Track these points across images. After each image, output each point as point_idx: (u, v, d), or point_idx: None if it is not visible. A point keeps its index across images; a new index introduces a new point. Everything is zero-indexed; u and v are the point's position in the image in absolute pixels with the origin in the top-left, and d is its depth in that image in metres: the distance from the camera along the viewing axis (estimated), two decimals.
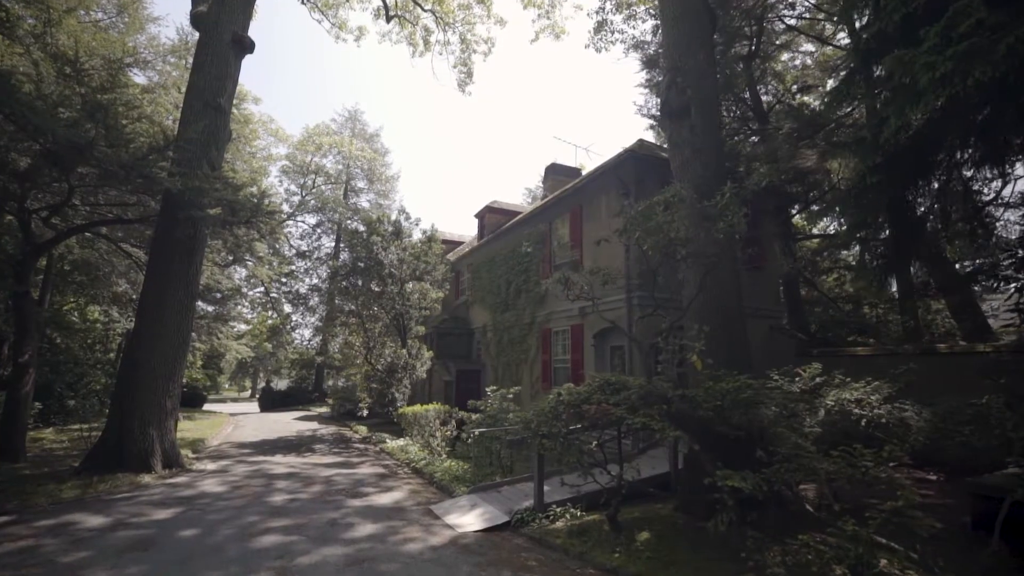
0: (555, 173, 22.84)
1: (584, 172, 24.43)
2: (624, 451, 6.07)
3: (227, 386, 58.53)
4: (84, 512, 6.55)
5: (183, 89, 19.89)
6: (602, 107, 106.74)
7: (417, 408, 11.10)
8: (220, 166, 10.44)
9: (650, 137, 16.87)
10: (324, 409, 27.39)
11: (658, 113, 17.78)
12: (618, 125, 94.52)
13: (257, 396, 39.55)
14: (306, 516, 6.56)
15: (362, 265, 16.28)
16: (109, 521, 6.17)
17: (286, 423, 20.56)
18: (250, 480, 8.89)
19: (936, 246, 12.45)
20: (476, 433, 8.36)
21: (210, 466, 10.17)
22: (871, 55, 4.28)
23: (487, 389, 10.34)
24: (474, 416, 9.45)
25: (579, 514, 6.22)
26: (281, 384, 40.46)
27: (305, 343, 39.83)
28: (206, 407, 28.46)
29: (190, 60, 23.10)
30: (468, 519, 6.31)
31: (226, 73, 10.79)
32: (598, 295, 11.03)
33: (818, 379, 5.30)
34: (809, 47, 16.01)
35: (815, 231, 17.74)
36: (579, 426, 6.03)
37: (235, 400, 48.57)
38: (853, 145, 5.55)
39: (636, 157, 10.94)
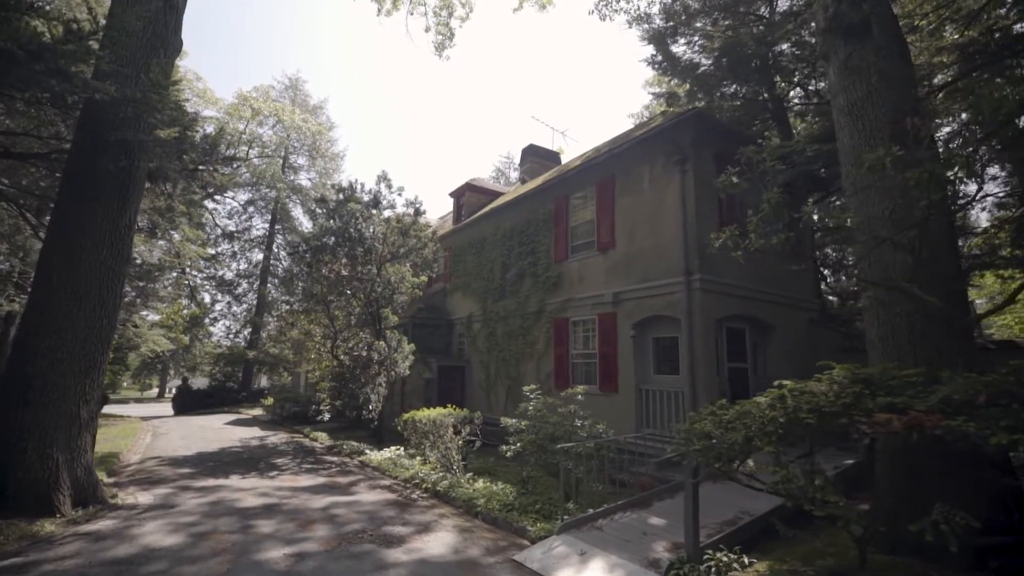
0: (534, 155, 21.35)
1: (563, 158, 23.02)
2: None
3: (127, 385, 50.84)
4: None
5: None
6: (577, 94, 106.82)
7: (430, 412, 8.82)
8: (170, 78, 7.53)
9: (631, 124, 15.69)
10: (258, 411, 23.65)
11: (664, 92, 16.58)
12: (596, 113, 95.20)
13: (170, 396, 34.20)
14: None
15: (331, 241, 13.47)
16: None
17: (219, 429, 17.05)
18: (214, 520, 6.20)
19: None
20: (561, 448, 6.29)
21: (143, 497, 7.24)
22: None
23: (524, 389, 8.36)
24: (523, 423, 7.40)
25: (746, 561, 4.44)
26: (200, 382, 35.22)
27: (231, 336, 35.08)
28: (107, 410, 23.77)
29: None
30: None
31: None
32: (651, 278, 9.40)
33: None
34: None
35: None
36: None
37: (139, 401, 42.14)
38: None
39: (701, 118, 9.35)
